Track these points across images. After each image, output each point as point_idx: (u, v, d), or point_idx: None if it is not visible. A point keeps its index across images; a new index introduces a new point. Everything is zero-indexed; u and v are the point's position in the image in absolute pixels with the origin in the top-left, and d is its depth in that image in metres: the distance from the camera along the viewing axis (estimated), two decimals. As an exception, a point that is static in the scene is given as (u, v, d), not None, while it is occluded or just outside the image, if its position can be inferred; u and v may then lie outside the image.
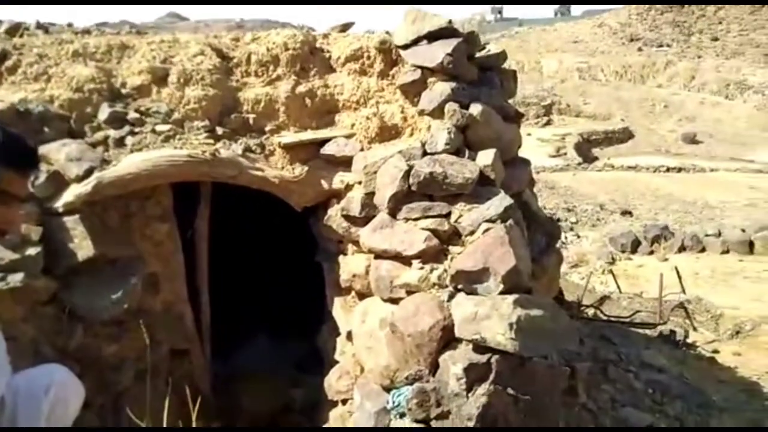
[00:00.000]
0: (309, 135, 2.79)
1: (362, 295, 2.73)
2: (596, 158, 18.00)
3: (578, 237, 10.84)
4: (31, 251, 2.40)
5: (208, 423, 2.92)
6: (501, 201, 2.32)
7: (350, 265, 2.75)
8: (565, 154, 18.05)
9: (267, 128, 2.84)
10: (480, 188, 2.48)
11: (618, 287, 8.16)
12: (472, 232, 2.32)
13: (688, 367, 5.39)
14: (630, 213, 12.22)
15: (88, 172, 2.55)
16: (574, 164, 16.82)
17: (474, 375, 1.98)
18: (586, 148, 18.74)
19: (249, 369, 3.96)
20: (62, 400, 1.61)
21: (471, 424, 1.97)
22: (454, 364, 2.00)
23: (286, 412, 3.71)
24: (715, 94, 21.67)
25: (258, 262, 4.47)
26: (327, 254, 3.09)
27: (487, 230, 2.25)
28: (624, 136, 19.94)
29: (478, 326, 1.96)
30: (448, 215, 2.39)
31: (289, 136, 2.79)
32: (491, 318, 1.95)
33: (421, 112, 2.70)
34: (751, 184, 13.86)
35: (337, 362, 2.93)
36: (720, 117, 20.46)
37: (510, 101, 3.09)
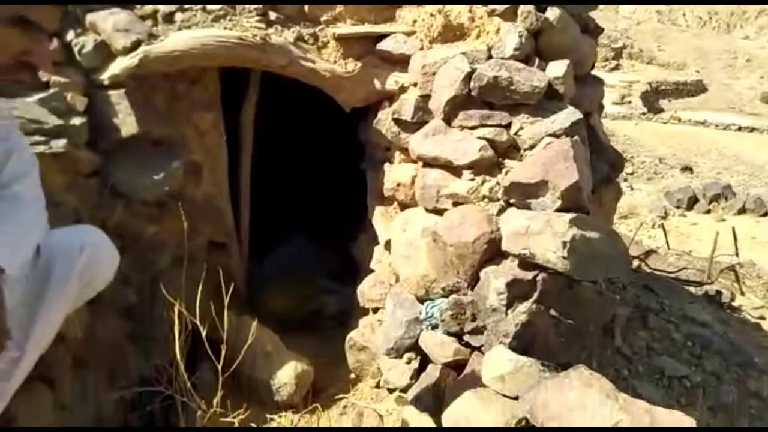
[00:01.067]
0: (366, 28, 2.59)
1: (404, 206, 2.62)
2: (662, 110, 16.96)
3: (632, 189, 10.36)
4: (76, 121, 2.36)
5: (239, 316, 2.94)
6: (568, 115, 2.12)
7: (395, 173, 2.62)
8: (630, 102, 17.06)
9: (322, 18, 2.65)
10: (546, 101, 2.27)
11: (667, 243, 7.83)
12: (532, 146, 2.14)
13: (731, 328, 5.18)
14: (690, 169, 11.58)
15: (135, 45, 2.45)
16: (638, 114, 15.91)
17: (516, 291, 1.87)
18: (654, 99, 17.64)
19: (282, 272, 3.98)
20: (96, 260, 1.59)
21: (507, 341, 1.88)
22: (497, 278, 1.89)
23: (317, 317, 3.73)
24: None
25: (301, 164, 4.40)
26: (373, 161, 2.97)
27: (548, 145, 2.07)
28: (696, 89, 18.61)
29: (528, 241, 1.83)
30: (507, 126, 2.21)
31: (345, 28, 2.60)
32: (544, 234, 1.81)
33: (491, 13, 2.45)
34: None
35: (372, 271, 2.88)
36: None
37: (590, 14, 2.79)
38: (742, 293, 6.81)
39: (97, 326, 2.39)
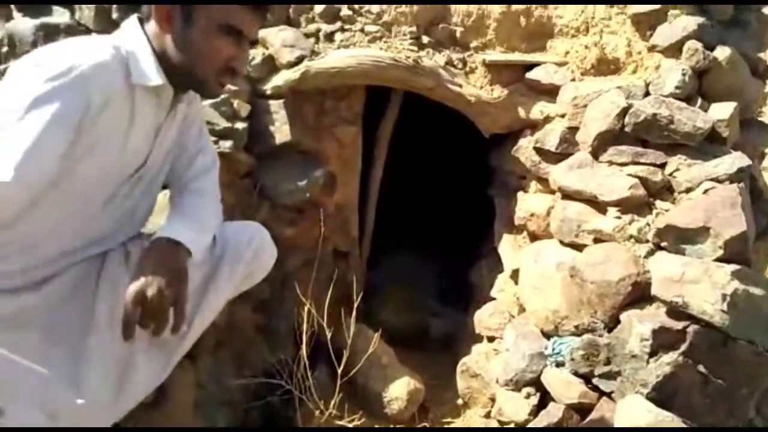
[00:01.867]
0: (516, 56, 2.61)
1: (535, 237, 2.58)
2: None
3: None
4: (239, 126, 2.58)
5: (357, 324, 3.03)
6: (735, 160, 1.99)
7: (530, 203, 2.59)
8: (770, 150, 15.54)
9: (473, 44, 2.71)
10: (706, 144, 2.15)
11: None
12: (689, 190, 2.03)
13: None
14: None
15: (299, 60, 2.64)
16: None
17: (662, 340, 1.77)
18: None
19: (393, 287, 4.03)
20: (260, 255, 1.73)
21: (645, 391, 1.79)
22: (641, 323, 1.80)
23: (423, 337, 3.75)
24: None
25: (427, 184, 4.47)
26: (504, 189, 2.96)
27: (708, 190, 1.95)
28: None
29: (681, 289, 1.73)
30: (662, 166, 2.12)
31: (495, 55, 2.63)
32: (701, 283, 1.71)
33: (652, 48, 2.37)
34: None
35: (491, 299, 2.86)
36: None
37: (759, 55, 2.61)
38: None
39: (234, 315, 2.57)
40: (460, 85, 2.61)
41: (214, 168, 1.76)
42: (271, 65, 2.72)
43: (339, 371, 2.42)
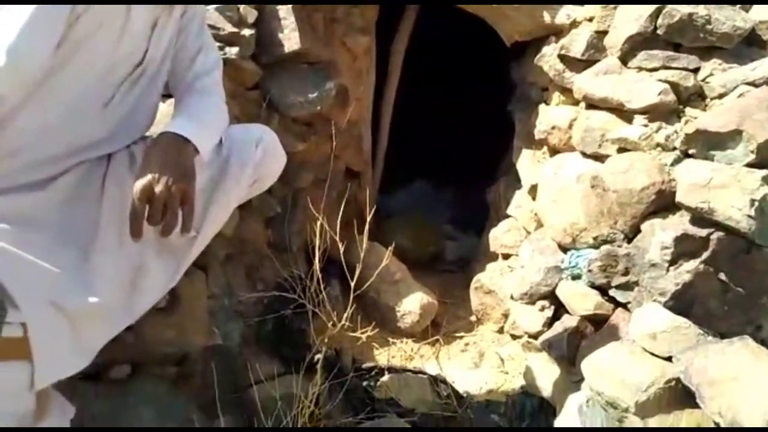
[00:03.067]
0: (542, -46, 2.42)
1: (556, 151, 2.48)
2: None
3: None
4: (246, 32, 2.45)
5: (369, 242, 3.01)
6: (774, 62, 1.85)
7: (552, 115, 2.48)
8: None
9: (495, -57, 2.51)
10: (744, 48, 2.01)
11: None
12: (722, 95, 1.91)
13: None
14: None
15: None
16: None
17: (684, 248, 1.71)
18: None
19: (407, 210, 4.00)
20: (268, 158, 1.67)
21: (662, 300, 1.75)
22: (663, 230, 1.74)
23: (436, 261, 3.74)
24: None
25: (443, 100, 4.33)
26: (525, 102, 2.84)
27: (743, 94, 1.83)
28: None
29: (708, 194, 1.65)
30: (696, 70, 1.99)
31: (519, -46, 2.44)
32: (729, 188, 1.63)
33: (691, -57, 2.17)
34: None
35: (507, 217, 2.81)
36: None
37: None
38: None
39: (243, 229, 2.56)
40: (481, -12, 2.44)
41: (217, 68, 1.67)
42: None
43: (352, 285, 2.42)
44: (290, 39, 2.57)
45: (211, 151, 1.54)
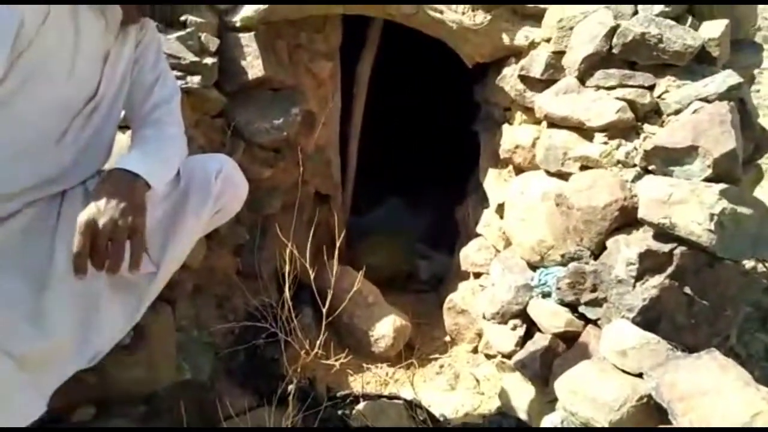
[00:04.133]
0: (499, -21, 2.46)
1: (520, 170, 2.51)
2: (794, 100, 15.27)
3: (759, 186, 9.45)
4: (208, 61, 2.43)
5: (341, 266, 2.98)
6: (725, 78, 1.91)
7: (515, 134, 2.51)
8: (758, 90, 15.49)
9: (453, -32, 2.55)
10: (696, 65, 2.06)
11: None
12: (677, 111, 1.95)
13: None
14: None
15: (268, -12, 2.48)
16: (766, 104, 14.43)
17: (648, 263, 1.73)
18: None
19: (380, 230, 3.99)
20: (230, 188, 1.64)
21: (630, 316, 1.76)
22: (628, 247, 1.76)
23: (410, 280, 3.73)
24: None
25: (410, 121, 4.36)
26: (489, 122, 2.87)
27: (698, 110, 1.88)
28: (839, 79, 16.58)
29: (669, 210, 1.68)
30: (651, 88, 2.03)
31: (477, -22, 2.48)
32: (688, 203, 1.66)
33: (641, -35, 2.24)
34: None
35: (477, 235, 2.81)
36: None
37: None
38: None
39: (211, 259, 2.51)
40: (441, 11, 2.47)
41: (175, 97, 1.64)
42: (239, -6, 2.56)
43: (324, 311, 2.39)
44: (254, 66, 2.56)
45: (169, 184, 1.51)
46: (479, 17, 2.46)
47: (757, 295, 4.14)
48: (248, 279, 2.71)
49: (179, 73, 2.30)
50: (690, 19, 2.13)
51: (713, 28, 2.09)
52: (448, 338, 2.73)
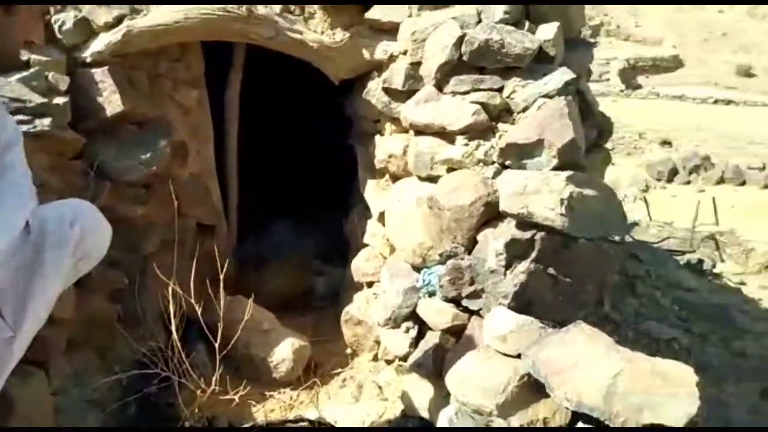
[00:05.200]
0: (353, -4, 2.55)
1: (397, 178, 2.60)
2: (640, 86, 17.12)
3: (612, 164, 10.46)
4: (58, 100, 2.29)
5: (232, 296, 2.90)
6: (561, 76, 2.11)
7: (387, 145, 2.60)
8: (608, 80, 17.21)
9: (308, -11, 2.60)
10: (537, 65, 2.26)
11: (649, 215, 7.94)
12: (525, 109, 2.13)
13: (714, 293, 5.29)
14: (670, 143, 11.73)
15: (118, 20, 2.38)
16: (616, 91, 16.05)
17: (515, 251, 1.87)
18: (631, 75, 17.81)
19: (273, 253, 3.95)
20: (90, 233, 1.54)
21: (506, 302, 1.89)
22: (495, 239, 1.89)
23: (308, 298, 3.73)
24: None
25: (286, 142, 4.35)
26: (361, 135, 2.95)
27: (541, 106, 2.06)
28: (673, 64, 18.81)
29: (525, 200, 1.83)
30: (500, 89, 2.20)
31: (331, -3, 2.55)
32: (541, 192, 1.81)
33: (480, -23, 2.42)
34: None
35: (366, 246, 2.87)
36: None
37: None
38: (723, 260, 6.95)
39: (86, 309, 2.35)
40: (301, 32, 2.51)
41: (15, 144, 1.52)
42: (86, 28, 2.43)
43: (217, 346, 2.32)
44: (111, 102, 2.44)
45: (17, 238, 1.40)
46: (338, 35, 2.53)
47: (621, 265, 4.59)
48: (132, 325, 2.56)
49: (25, 117, 2.14)
50: (527, 24, 2.34)
51: (548, 30, 2.31)
52: (349, 350, 2.75)
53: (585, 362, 1.61)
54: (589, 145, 2.70)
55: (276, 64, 3.12)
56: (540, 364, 1.64)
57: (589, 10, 20.21)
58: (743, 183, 8.70)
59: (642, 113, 13.84)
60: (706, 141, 11.78)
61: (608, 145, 9.91)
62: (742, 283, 6.34)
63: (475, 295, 2.02)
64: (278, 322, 2.73)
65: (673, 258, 6.31)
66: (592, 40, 19.90)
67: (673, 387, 1.56)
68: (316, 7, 2.55)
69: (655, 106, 14.65)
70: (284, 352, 2.55)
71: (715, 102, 14.86)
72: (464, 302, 2.07)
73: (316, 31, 2.52)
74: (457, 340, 2.11)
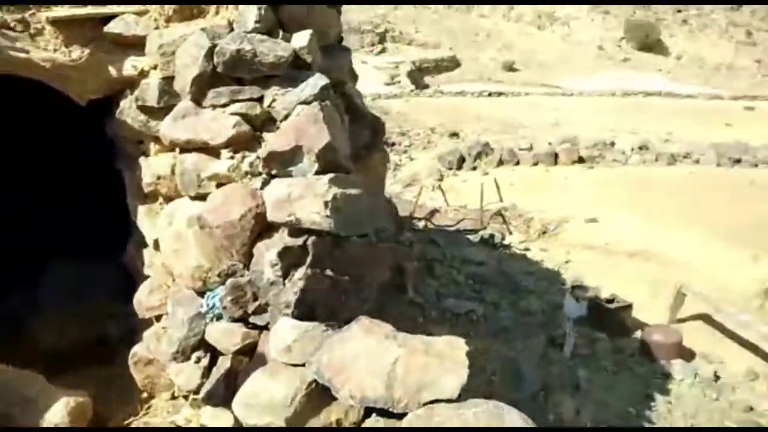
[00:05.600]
0: (86, 10, 2.31)
1: (170, 199, 2.43)
2: (427, 85, 18.66)
3: (411, 159, 11.26)
4: None
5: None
6: (317, 81, 2.15)
7: (153, 166, 2.41)
8: (399, 81, 18.43)
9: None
10: (295, 72, 2.28)
11: (446, 201, 8.67)
12: (287, 116, 2.13)
13: (504, 262, 5.96)
14: (457, 135, 12.95)
15: None
16: (407, 91, 17.27)
17: (290, 259, 1.86)
18: (419, 76, 19.30)
19: (51, 302, 3.48)
20: None
21: (289, 312, 1.87)
22: (269, 250, 1.86)
23: (102, 345, 3.35)
24: (530, 25, 23.51)
25: (48, 175, 3.83)
26: (127, 157, 2.70)
27: (299, 114, 2.08)
28: (452, 64, 20.83)
29: (291, 207, 1.83)
30: (260, 99, 2.17)
31: (61, 11, 2.29)
32: (305, 198, 1.82)
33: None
34: (556, 105, 15.47)
35: (147, 277, 2.64)
36: (533, 47, 22.33)
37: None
38: (510, 232, 7.87)
39: None
40: (27, 51, 2.21)
41: None
42: None
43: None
44: None
45: None
46: (76, 53, 2.28)
47: (420, 251, 4.94)
48: None
49: None
50: (281, 33, 2.34)
51: (302, 38, 2.33)
52: (145, 394, 2.50)
53: (365, 356, 1.66)
54: (363, 146, 2.82)
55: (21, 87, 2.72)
56: (324, 368, 1.65)
57: (374, 18, 21.46)
58: (518, 163, 9.96)
59: (431, 110, 15.10)
60: (486, 129, 13.24)
61: (406, 142, 10.51)
62: (527, 249, 7.26)
63: (261, 309, 1.97)
64: (47, 383, 2.38)
65: (468, 237, 6.97)
66: (380, 47, 21.23)
67: (445, 362, 1.68)
68: (44, 21, 2.26)
69: (442, 102, 16.08)
70: (58, 415, 2.22)
71: (489, 95, 16.80)
72: (251, 319, 2.00)
73: (48, 48, 2.24)
74: (250, 359, 2.04)
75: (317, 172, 1.91)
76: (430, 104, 16.00)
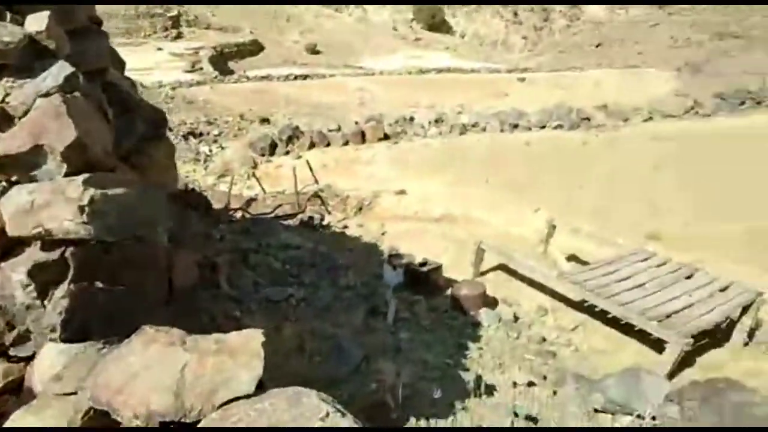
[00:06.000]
0: None
1: None
2: (232, 71, 17.93)
3: (222, 148, 10.78)
4: None
5: None
6: (60, 70, 1.88)
7: None
8: (201, 68, 17.45)
9: None
10: (36, 61, 1.97)
11: (262, 188, 8.48)
12: (26, 112, 1.83)
13: (322, 243, 6.02)
14: (268, 120, 12.70)
15: None
16: (211, 78, 16.43)
17: (45, 276, 1.61)
18: (222, 62, 18.46)
19: None
20: None
21: (56, 336, 1.63)
22: (15, 270, 1.59)
23: None
24: (327, 7, 23.83)
25: None
26: None
27: (37, 108, 1.80)
28: (255, 48, 20.27)
29: (37, 217, 1.57)
30: (-10, 94, 1.83)
31: None
32: (54, 204, 1.58)
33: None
34: (360, 85, 15.98)
35: None
36: (333, 29, 22.71)
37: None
38: (329, 212, 7.99)
39: None
40: None
41: None
42: None
43: None
44: None
45: None
46: None
47: (233, 243, 4.76)
48: None
49: None
50: (9, 15, 2.00)
51: (38, 21, 2.02)
52: None
53: (146, 369, 1.51)
54: (142, 137, 2.57)
55: None
56: (99, 391, 1.46)
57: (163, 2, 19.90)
58: (328, 144, 10.11)
59: (239, 96, 14.61)
60: (296, 113, 13.20)
61: (215, 131, 10.01)
62: (346, 227, 7.44)
63: (22, 339, 1.69)
64: None
65: (286, 223, 6.90)
66: (175, 32, 19.73)
67: (238, 357, 1.60)
68: None
69: (249, 88, 15.60)
70: None
71: (296, 78, 16.72)
72: (12, 351, 1.71)
73: None
74: (18, 395, 1.75)
75: (68, 174, 1.67)
76: (236, 90, 15.46)
